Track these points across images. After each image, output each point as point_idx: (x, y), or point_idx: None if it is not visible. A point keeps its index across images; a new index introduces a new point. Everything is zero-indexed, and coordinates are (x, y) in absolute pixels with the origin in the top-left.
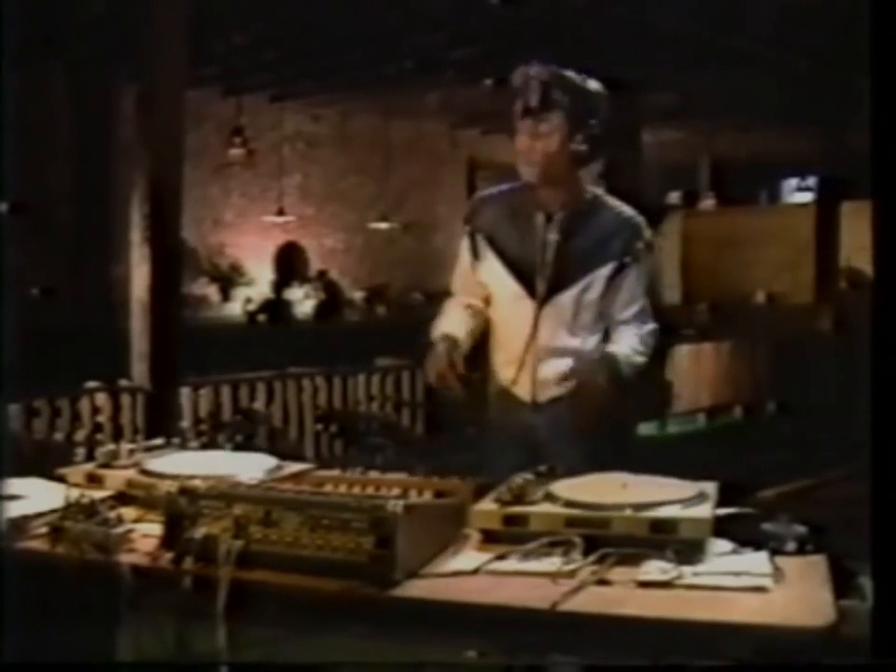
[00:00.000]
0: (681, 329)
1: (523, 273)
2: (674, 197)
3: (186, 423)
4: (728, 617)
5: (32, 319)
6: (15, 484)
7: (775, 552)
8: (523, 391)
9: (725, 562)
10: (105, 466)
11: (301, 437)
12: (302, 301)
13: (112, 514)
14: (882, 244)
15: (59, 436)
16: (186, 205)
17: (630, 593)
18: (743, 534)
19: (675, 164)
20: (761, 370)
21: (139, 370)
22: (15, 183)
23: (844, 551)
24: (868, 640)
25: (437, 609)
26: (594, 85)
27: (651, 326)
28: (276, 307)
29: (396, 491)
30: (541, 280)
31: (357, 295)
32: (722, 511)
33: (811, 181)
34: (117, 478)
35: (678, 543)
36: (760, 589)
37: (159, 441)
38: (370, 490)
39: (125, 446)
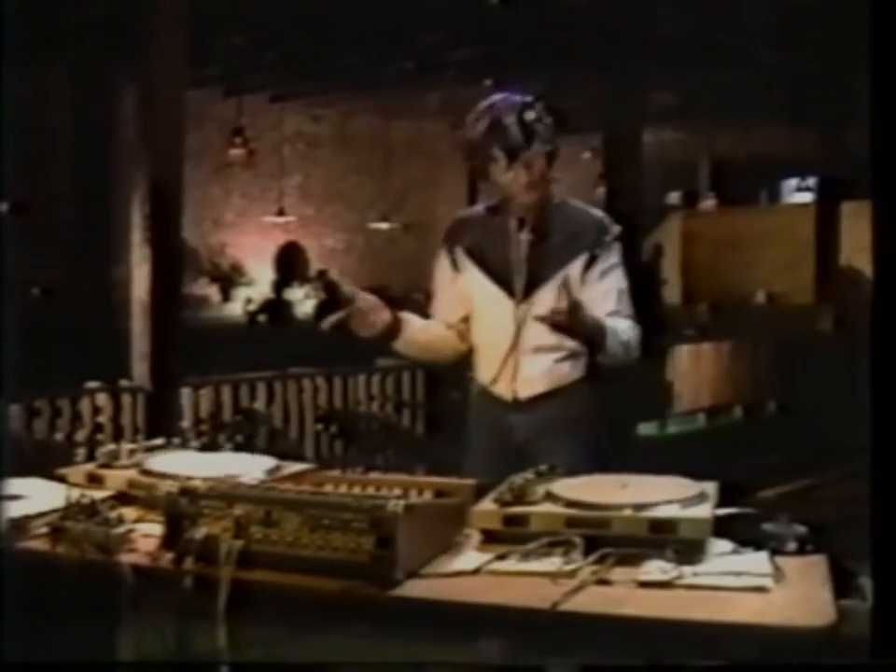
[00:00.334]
0: (681, 329)
1: (500, 275)
2: (674, 197)
3: (186, 423)
4: (728, 617)
5: (32, 319)
6: (15, 484)
7: (775, 552)
8: (504, 390)
9: (725, 562)
10: (106, 466)
11: (301, 437)
12: (303, 301)
13: (113, 514)
14: (882, 244)
15: (59, 436)
16: (186, 206)
17: (630, 593)
18: (743, 534)
19: (675, 164)
20: (761, 370)
21: (140, 370)
22: (16, 183)
23: (844, 551)
24: (868, 640)
25: (437, 608)
26: (547, 108)
27: (630, 322)
28: (277, 307)
29: (396, 491)
30: (518, 279)
31: None
32: (722, 511)
33: (811, 181)
34: (117, 478)
35: (678, 543)
36: (760, 589)
37: (159, 442)
38: (370, 490)
39: (126, 446)
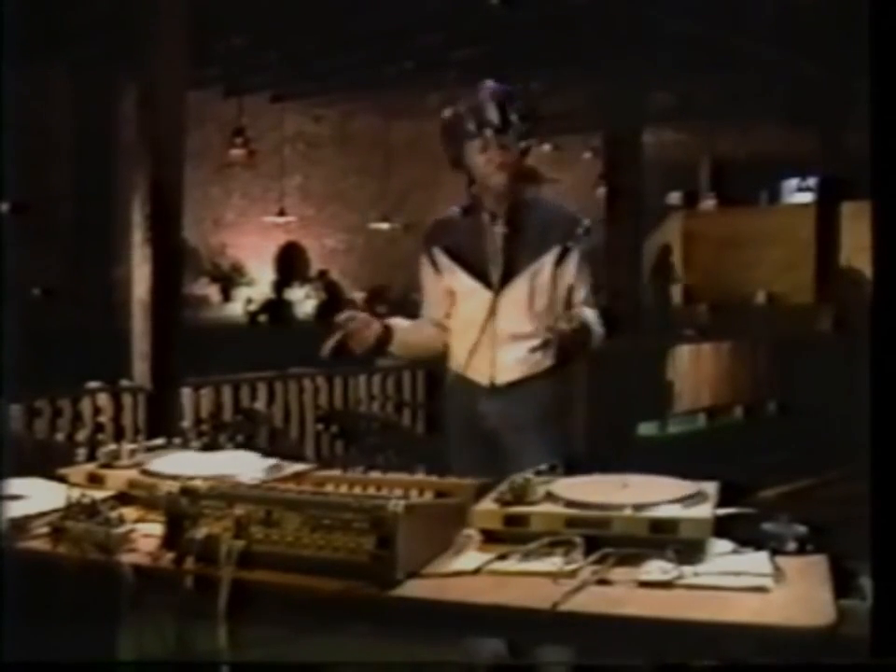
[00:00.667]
0: (681, 329)
1: (477, 268)
2: (674, 197)
3: (187, 423)
4: (728, 617)
5: (33, 319)
6: (16, 484)
7: (775, 552)
8: (480, 375)
9: (726, 562)
10: (107, 466)
11: (301, 437)
12: (303, 301)
13: (113, 514)
14: (882, 244)
15: (60, 436)
16: (187, 206)
17: (631, 593)
18: (743, 534)
19: (675, 164)
20: (761, 370)
21: (140, 370)
22: (16, 183)
23: (844, 551)
24: (868, 640)
25: (437, 608)
26: (525, 105)
27: (596, 311)
28: (277, 307)
29: (396, 491)
30: (494, 270)
31: (358, 295)
32: (723, 510)
33: (811, 181)
34: (118, 478)
35: (678, 543)
36: (760, 589)
37: (160, 442)
38: (370, 490)
39: (126, 446)
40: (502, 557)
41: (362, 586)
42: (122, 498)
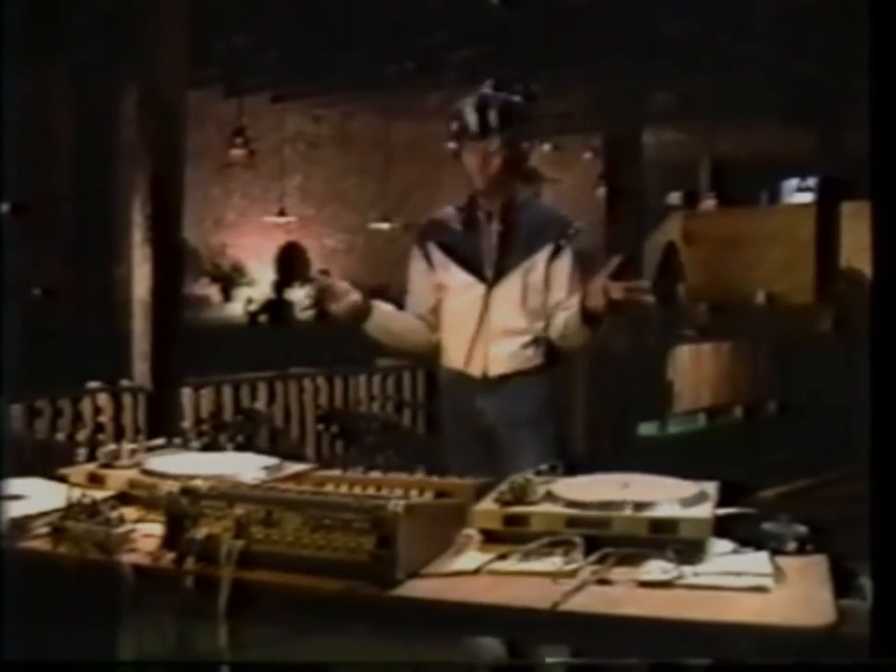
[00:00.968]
0: (681, 329)
1: (472, 264)
2: (674, 197)
3: (187, 423)
4: (728, 617)
5: (33, 319)
6: (16, 484)
7: (775, 552)
8: (474, 369)
9: (726, 562)
10: (107, 466)
11: (302, 437)
12: (303, 301)
13: (113, 514)
14: (881, 244)
15: (60, 436)
16: (187, 206)
17: (631, 592)
18: (743, 534)
19: (675, 164)
20: (761, 370)
21: (141, 370)
22: (17, 183)
23: (844, 551)
24: (868, 640)
25: (437, 608)
26: (525, 106)
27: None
28: (277, 307)
29: (397, 491)
30: (489, 266)
31: None
32: (723, 510)
33: (811, 181)
34: (118, 478)
35: (678, 543)
36: (760, 589)
37: (160, 442)
38: (370, 490)
39: (127, 446)
40: (502, 557)
41: (362, 586)
42: (123, 498)
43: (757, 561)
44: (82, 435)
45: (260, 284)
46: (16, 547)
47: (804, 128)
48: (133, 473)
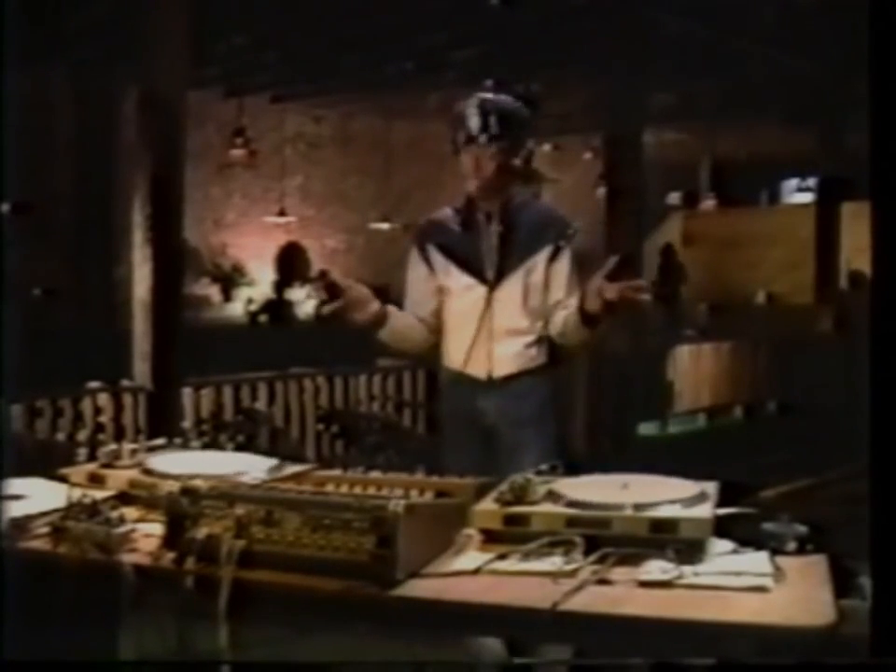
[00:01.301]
0: (681, 329)
1: (473, 265)
2: (674, 197)
3: (187, 423)
4: (728, 617)
5: (34, 320)
6: (17, 484)
7: (775, 551)
8: (477, 370)
9: (726, 562)
10: (107, 466)
11: (302, 437)
12: (304, 301)
13: (114, 514)
14: (881, 244)
15: (61, 436)
16: (187, 206)
17: (631, 592)
18: (743, 534)
19: (675, 165)
20: (761, 370)
21: (141, 370)
22: (18, 183)
23: (844, 551)
24: (868, 640)
25: (437, 608)
26: (525, 111)
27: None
28: (278, 307)
29: (397, 491)
30: (490, 267)
31: None
32: (723, 510)
33: (811, 181)
34: (119, 478)
35: (678, 543)
36: (760, 589)
37: (161, 441)
38: (371, 490)
39: (127, 446)
40: (502, 557)
41: (362, 586)
42: (123, 498)
43: (757, 561)
44: (83, 435)
45: (261, 284)
46: (16, 547)
47: (804, 128)
48: (133, 473)
